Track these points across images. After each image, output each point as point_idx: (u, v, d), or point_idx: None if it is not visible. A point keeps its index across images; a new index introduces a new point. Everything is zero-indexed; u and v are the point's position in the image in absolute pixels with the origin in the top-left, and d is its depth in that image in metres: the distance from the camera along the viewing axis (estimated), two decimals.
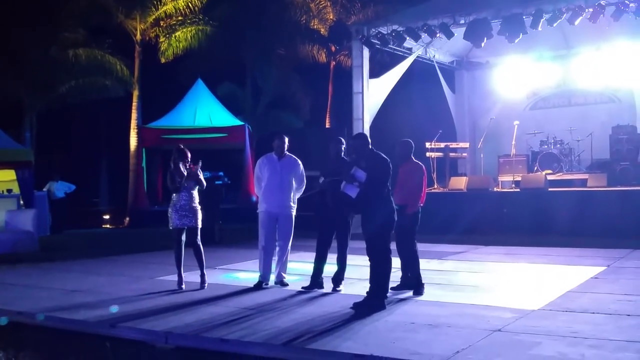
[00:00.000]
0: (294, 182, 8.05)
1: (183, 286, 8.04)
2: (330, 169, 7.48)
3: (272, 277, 8.14)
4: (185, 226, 8.04)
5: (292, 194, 8.03)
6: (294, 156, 8.15)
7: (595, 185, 13.98)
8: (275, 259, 8.09)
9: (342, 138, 7.92)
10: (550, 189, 14.16)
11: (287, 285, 7.98)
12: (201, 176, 8.14)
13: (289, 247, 8.12)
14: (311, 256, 8.02)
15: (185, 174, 7.97)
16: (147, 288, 8.10)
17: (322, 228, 7.76)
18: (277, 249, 8.05)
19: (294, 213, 8.07)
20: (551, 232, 12.83)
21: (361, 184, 6.47)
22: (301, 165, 8.11)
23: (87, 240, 15.74)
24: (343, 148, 7.78)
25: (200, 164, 8.18)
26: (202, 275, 8.14)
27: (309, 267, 8.03)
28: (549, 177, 14.73)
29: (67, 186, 18.36)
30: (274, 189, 7.93)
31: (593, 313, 6.20)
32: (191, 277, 8.28)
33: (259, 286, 7.96)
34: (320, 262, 7.75)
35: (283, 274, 8.09)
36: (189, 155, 8.10)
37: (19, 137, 19.27)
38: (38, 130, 21.64)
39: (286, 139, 8.06)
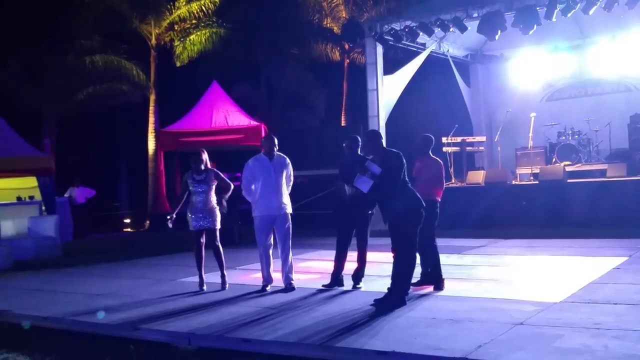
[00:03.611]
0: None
1: (204, 287, 8.10)
2: (348, 170, 7.40)
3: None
4: (204, 228, 8.10)
5: (286, 193, 7.90)
6: (282, 154, 7.97)
7: (614, 175, 13.85)
8: (279, 261, 7.91)
9: (357, 136, 7.87)
10: (569, 180, 14.05)
11: (294, 289, 7.73)
12: (220, 177, 8.19)
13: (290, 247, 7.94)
14: (330, 254, 8.04)
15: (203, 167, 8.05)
16: (169, 290, 8.19)
17: (341, 226, 7.75)
18: (280, 251, 7.86)
19: (290, 212, 7.93)
20: (571, 223, 12.74)
21: (375, 177, 6.47)
22: (290, 164, 7.98)
23: (109, 245, 15.90)
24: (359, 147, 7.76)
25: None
26: (223, 276, 8.19)
27: (329, 265, 8.06)
28: (568, 169, 14.62)
29: (88, 191, 18.56)
30: (271, 191, 7.73)
31: (616, 304, 6.16)
32: (212, 278, 8.34)
33: (264, 290, 7.81)
34: (340, 260, 7.74)
35: (291, 277, 7.87)
36: (205, 153, 8.16)
37: (38, 144, 19.52)
38: (57, 137, 21.94)
39: (276, 139, 7.92)
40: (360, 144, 7.66)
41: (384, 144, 6.79)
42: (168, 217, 8.11)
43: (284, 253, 7.86)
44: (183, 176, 8.29)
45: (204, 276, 8.19)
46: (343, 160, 7.81)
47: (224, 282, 8.17)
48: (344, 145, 7.77)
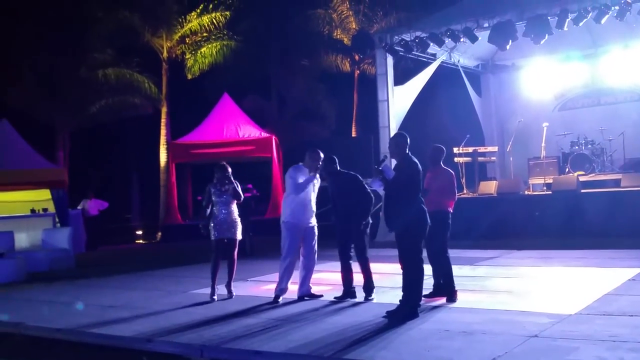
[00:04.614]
0: None
1: (215, 297, 8.17)
2: (335, 186, 7.56)
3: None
4: (225, 238, 8.23)
5: None
6: None
7: (629, 185, 13.72)
8: (302, 272, 7.95)
9: (333, 156, 7.79)
10: (582, 191, 13.95)
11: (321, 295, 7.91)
12: (239, 188, 8.29)
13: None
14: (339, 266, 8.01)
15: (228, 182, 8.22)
16: (181, 302, 8.19)
17: (339, 239, 7.75)
18: (306, 262, 7.89)
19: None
20: (585, 234, 12.61)
21: (385, 182, 6.47)
22: None
23: (121, 256, 15.97)
24: (336, 166, 7.72)
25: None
26: (229, 285, 8.30)
27: (340, 277, 8.02)
28: (581, 179, 14.51)
29: (101, 203, 18.66)
30: (308, 202, 7.83)
31: (631, 316, 6.09)
32: (224, 289, 8.35)
33: (276, 301, 7.80)
34: (347, 272, 7.72)
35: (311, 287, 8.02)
36: (229, 168, 8.31)
37: (52, 157, 19.69)
38: (70, 150, 22.09)
39: (322, 156, 7.82)
40: (336, 162, 7.72)
41: (407, 150, 6.69)
42: (200, 225, 8.40)
43: (310, 264, 7.91)
44: (207, 187, 8.38)
45: (216, 287, 8.26)
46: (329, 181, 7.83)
47: (230, 291, 8.28)
48: (317, 166, 7.74)
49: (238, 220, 8.33)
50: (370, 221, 7.67)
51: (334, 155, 7.88)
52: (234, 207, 8.32)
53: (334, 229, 7.82)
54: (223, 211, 8.21)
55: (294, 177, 7.77)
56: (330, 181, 7.78)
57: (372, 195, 7.62)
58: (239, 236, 8.34)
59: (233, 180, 8.27)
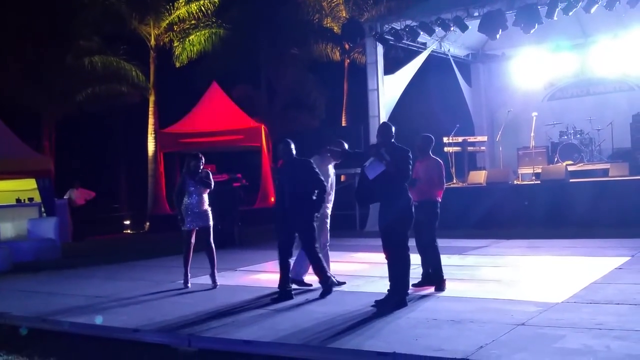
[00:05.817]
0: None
1: (189, 285, 8.26)
2: (287, 172, 7.33)
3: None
4: (196, 227, 8.24)
5: None
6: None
7: (617, 175, 13.80)
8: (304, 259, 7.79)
9: (289, 140, 7.49)
10: (571, 180, 14.00)
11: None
12: (210, 179, 8.28)
13: None
14: (333, 255, 7.95)
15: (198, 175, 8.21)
16: (169, 292, 8.15)
17: (283, 234, 7.29)
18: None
19: None
20: (573, 223, 12.68)
21: (389, 165, 6.38)
22: None
23: (108, 246, 15.87)
24: (291, 151, 7.40)
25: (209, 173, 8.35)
26: (213, 275, 8.29)
27: (333, 266, 7.97)
28: (570, 168, 14.56)
29: (87, 193, 18.52)
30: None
31: (618, 304, 6.11)
32: (209, 279, 8.33)
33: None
34: (285, 271, 7.25)
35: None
36: (202, 158, 8.30)
37: (38, 146, 19.50)
38: (56, 139, 21.90)
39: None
40: (293, 146, 7.42)
41: (393, 139, 6.66)
42: (179, 217, 8.33)
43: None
44: (181, 176, 8.35)
45: (189, 274, 8.34)
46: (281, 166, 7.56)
47: (214, 281, 8.26)
48: (280, 147, 7.48)
49: (208, 209, 8.32)
50: (323, 218, 7.36)
51: (324, 145, 7.75)
52: (205, 197, 8.31)
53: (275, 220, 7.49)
54: (194, 201, 8.20)
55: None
56: (282, 167, 7.47)
57: (326, 185, 7.32)
58: (210, 223, 8.32)
59: (206, 169, 8.28)
